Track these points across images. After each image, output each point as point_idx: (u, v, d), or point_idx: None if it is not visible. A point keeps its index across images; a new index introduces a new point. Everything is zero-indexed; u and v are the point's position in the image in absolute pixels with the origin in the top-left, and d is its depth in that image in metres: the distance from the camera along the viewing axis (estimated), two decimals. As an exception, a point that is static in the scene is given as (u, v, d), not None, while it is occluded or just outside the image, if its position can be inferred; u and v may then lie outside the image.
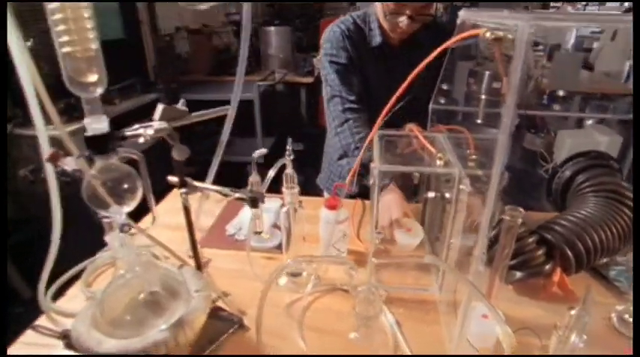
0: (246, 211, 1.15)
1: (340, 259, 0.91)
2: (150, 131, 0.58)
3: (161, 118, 0.60)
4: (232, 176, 1.17)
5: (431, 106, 1.02)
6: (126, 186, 0.60)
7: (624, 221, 0.89)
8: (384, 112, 0.76)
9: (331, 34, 1.28)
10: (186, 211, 0.70)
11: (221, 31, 3.58)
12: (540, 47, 3.73)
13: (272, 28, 3.25)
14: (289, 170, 0.79)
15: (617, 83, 2.99)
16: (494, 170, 0.51)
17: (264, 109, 3.03)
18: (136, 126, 0.59)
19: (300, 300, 0.85)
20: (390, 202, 1.04)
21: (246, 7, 0.61)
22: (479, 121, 2.47)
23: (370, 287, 0.52)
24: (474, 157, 0.70)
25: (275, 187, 0.88)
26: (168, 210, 1.18)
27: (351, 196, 1.21)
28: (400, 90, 0.73)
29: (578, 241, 0.85)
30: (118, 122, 0.59)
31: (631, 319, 0.70)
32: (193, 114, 0.65)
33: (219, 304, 0.84)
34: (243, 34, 0.62)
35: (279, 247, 1.00)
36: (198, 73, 3.35)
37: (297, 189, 0.81)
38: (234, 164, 2.23)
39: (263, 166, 0.77)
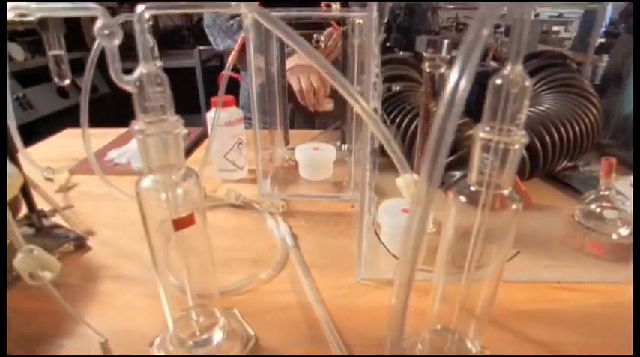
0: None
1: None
2: None
3: None
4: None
5: None
6: None
7: (589, 119, 0.72)
8: None
9: None
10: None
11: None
12: (501, 29, 3.68)
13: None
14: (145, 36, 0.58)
15: (578, 53, 2.89)
16: None
17: (210, 81, 2.77)
18: None
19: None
20: (300, 68, 0.84)
21: None
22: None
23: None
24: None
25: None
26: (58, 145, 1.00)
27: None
28: None
29: (534, 136, 0.67)
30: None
31: (598, 210, 0.52)
32: None
33: (61, 222, 0.62)
34: None
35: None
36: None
37: (159, 62, 0.59)
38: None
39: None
